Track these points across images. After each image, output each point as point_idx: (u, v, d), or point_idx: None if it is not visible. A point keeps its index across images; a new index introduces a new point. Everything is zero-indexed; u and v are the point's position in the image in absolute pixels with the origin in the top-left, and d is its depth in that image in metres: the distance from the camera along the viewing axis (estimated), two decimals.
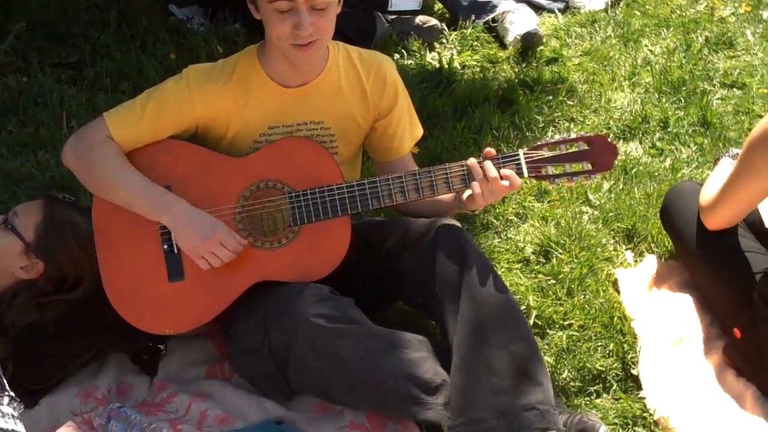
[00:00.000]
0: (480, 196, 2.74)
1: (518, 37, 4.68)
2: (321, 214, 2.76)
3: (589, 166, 2.80)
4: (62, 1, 4.67)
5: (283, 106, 2.83)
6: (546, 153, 2.79)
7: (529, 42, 4.67)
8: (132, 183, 2.72)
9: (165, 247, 2.75)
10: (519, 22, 4.74)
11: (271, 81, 2.80)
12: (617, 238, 3.48)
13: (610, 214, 3.56)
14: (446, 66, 4.49)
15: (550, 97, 4.33)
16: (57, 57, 4.42)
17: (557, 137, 2.82)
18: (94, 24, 4.63)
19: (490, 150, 2.78)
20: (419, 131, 3.07)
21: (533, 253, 3.39)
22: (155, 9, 4.75)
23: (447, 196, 2.89)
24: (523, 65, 4.58)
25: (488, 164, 2.74)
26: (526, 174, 2.78)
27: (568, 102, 4.34)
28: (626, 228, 3.51)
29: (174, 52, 4.41)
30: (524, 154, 2.78)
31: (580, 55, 4.75)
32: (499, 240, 3.47)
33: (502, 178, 2.72)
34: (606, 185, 3.72)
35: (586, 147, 2.81)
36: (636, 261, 3.38)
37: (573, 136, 2.82)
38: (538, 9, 5.16)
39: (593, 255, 3.35)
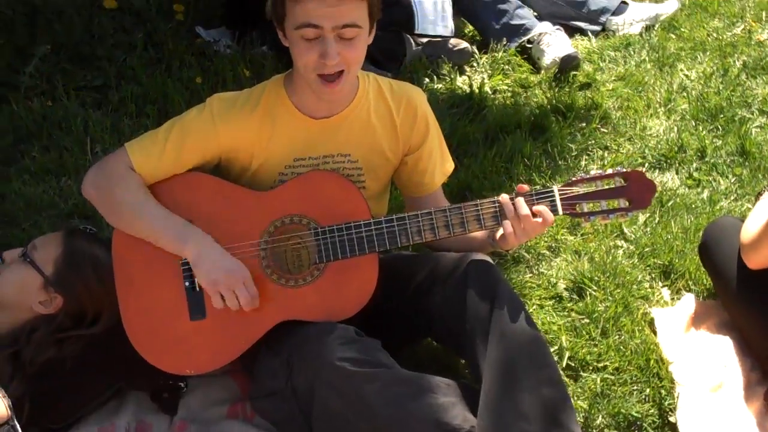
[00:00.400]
0: (512, 235, 2.65)
1: (556, 60, 4.57)
2: (348, 251, 2.67)
3: (626, 204, 2.70)
4: (88, 24, 4.60)
5: (310, 138, 2.75)
6: (581, 189, 2.69)
7: (568, 65, 4.56)
8: (154, 215, 2.65)
9: (187, 284, 2.68)
10: (556, 44, 4.64)
11: (297, 111, 2.72)
12: (653, 275, 3.37)
13: (646, 248, 3.45)
14: (477, 91, 4.39)
15: (584, 124, 4.22)
16: (82, 80, 4.36)
17: (593, 172, 2.71)
18: (120, 46, 4.56)
19: (523, 186, 2.69)
20: (450, 165, 2.97)
21: (566, 289, 3.29)
22: (182, 31, 4.68)
23: (479, 234, 2.79)
24: (556, 90, 4.47)
25: (521, 201, 2.65)
26: (560, 211, 2.68)
27: (602, 129, 4.23)
28: (663, 264, 3.40)
29: (200, 75, 4.34)
30: (559, 190, 2.68)
31: (614, 80, 4.63)
32: (531, 275, 3.36)
33: (534, 215, 2.63)
34: (642, 218, 3.60)
35: (622, 183, 2.71)
36: (673, 299, 3.27)
37: (609, 171, 2.72)
38: (572, 32, 5.04)
39: (629, 292, 3.24)
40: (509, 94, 4.49)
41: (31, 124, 4.03)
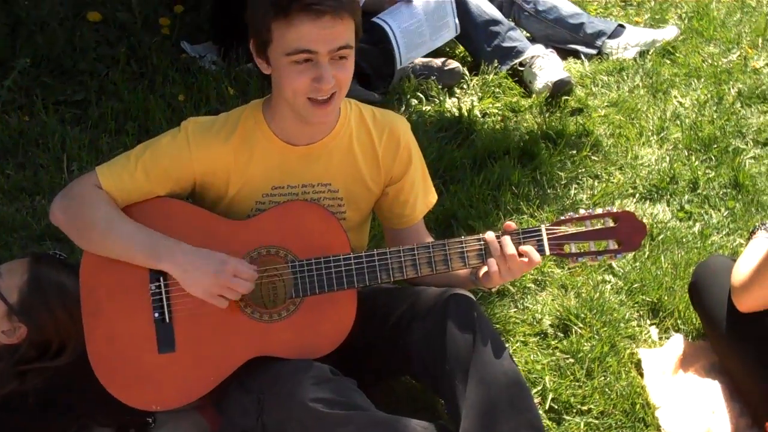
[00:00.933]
0: (497, 274, 2.56)
1: (549, 84, 4.47)
2: (325, 286, 2.57)
3: (615, 245, 2.61)
4: (70, 36, 4.49)
5: (289, 166, 2.65)
6: (569, 229, 2.60)
7: (560, 90, 4.48)
8: (124, 230, 2.55)
9: (156, 315, 2.57)
10: (548, 68, 4.55)
11: (276, 138, 2.63)
12: (642, 312, 3.27)
13: (635, 284, 3.36)
14: (466, 114, 4.29)
15: (574, 152, 4.13)
16: (62, 94, 4.26)
17: (582, 212, 2.62)
18: (103, 60, 4.46)
19: (510, 224, 2.60)
20: (433, 197, 2.88)
21: (551, 326, 3.19)
22: (167, 46, 4.58)
23: (462, 270, 2.69)
24: (547, 115, 4.38)
25: (507, 240, 2.56)
26: (547, 251, 2.59)
27: (593, 157, 4.14)
28: (652, 301, 3.30)
29: (183, 92, 4.24)
30: (546, 230, 2.59)
31: (607, 105, 4.54)
32: (516, 310, 3.26)
33: (521, 255, 2.53)
34: (631, 252, 3.50)
35: (612, 224, 2.61)
36: (661, 338, 3.17)
37: (599, 211, 2.62)
38: (564, 54, 4.96)
39: (615, 331, 3.15)
40: (499, 118, 4.39)
41: (7, 140, 3.92)
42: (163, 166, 2.59)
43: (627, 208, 3.67)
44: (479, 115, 4.38)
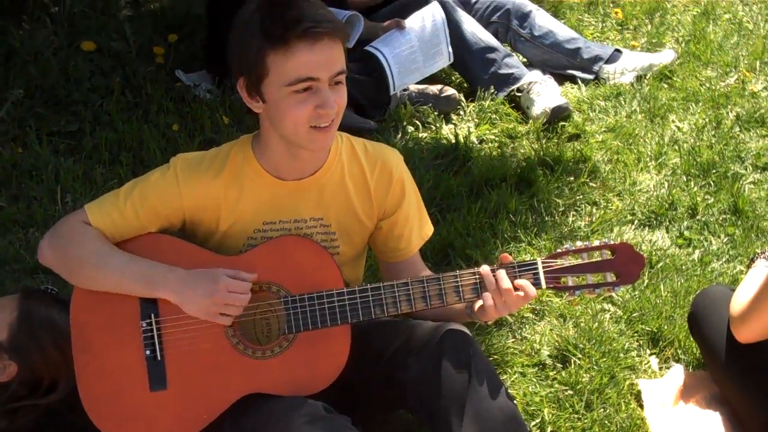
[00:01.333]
0: (492, 308, 2.52)
1: (547, 111, 4.44)
2: (319, 322, 2.54)
3: (613, 277, 2.58)
4: (64, 66, 4.47)
5: (280, 201, 2.62)
6: (566, 262, 2.56)
7: (558, 116, 4.45)
8: (118, 262, 2.52)
9: (147, 352, 2.53)
10: (546, 94, 4.52)
11: (266, 173, 2.60)
12: (641, 342, 3.23)
13: (634, 314, 3.32)
14: (463, 141, 4.26)
15: (572, 178, 4.10)
16: (56, 125, 4.23)
17: (579, 244, 2.58)
18: (97, 90, 4.43)
19: (506, 256, 2.57)
20: (429, 229, 2.84)
21: (550, 356, 3.15)
22: (161, 75, 4.55)
23: (458, 305, 2.65)
24: (544, 141, 4.35)
25: (502, 274, 2.52)
26: (543, 285, 2.55)
27: (591, 184, 4.11)
28: (651, 330, 3.26)
29: (177, 122, 4.21)
30: (542, 262, 2.56)
31: (604, 131, 4.51)
32: (513, 340, 3.23)
33: (516, 288, 2.50)
34: (629, 285, 3.45)
35: (609, 256, 2.58)
36: (661, 368, 3.13)
37: (596, 243, 2.59)
38: (561, 79, 4.94)
39: (615, 362, 3.11)
40: (496, 145, 4.36)
41: (0, 172, 3.89)
42: (152, 203, 2.56)
43: (626, 235, 3.68)
44: (476, 142, 4.36)
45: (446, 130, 4.42)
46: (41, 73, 4.42)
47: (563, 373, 3.08)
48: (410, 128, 4.39)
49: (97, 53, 4.65)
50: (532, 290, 2.52)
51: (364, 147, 2.71)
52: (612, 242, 2.58)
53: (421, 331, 2.62)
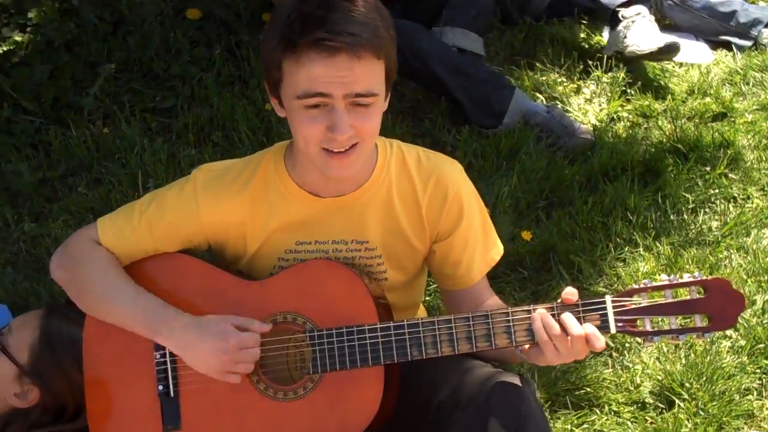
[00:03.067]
0: (554, 354, 2.08)
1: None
2: (347, 362, 2.19)
3: (704, 321, 2.09)
4: (166, 38, 4.24)
5: (315, 219, 2.28)
6: (643, 301, 2.09)
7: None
8: (122, 299, 2.25)
9: (160, 388, 2.27)
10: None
11: (298, 188, 2.25)
12: (764, 381, 2.70)
13: (760, 344, 2.77)
14: (598, 122, 3.72)
15: (707, 168, 3.53)
16: (151, 101, 4.01)
17: (663, 278, 2.10)
18: (199, 62, 4.18)
19: (570, 294, 2.10)
20: (496, 253, 2.40)
21: (652, 393, 2.67)
22: None
23: None
24: (683, 121, 3.77)
25: (568, 317, 2.07)
26: (613, 329, 2.10)
27: (731, 175, 3.53)
28: None
29: None
30: (613, 301, 2.10)
31: (756, 109, 3.89)
32: (611, 370, 2.76)
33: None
34: (759, 300, 2.90)
35: (700, 294, 2.08)
36: None
37: (685, 278, 2.10)
38: (715, 46, 4.32)
39: (727, 407, 2.59)
40: (628, 124, 3.81)
41: (84, 153, 3.71)
42: (167, 221, 2.28)
43: (764, 241, 3.12)
44: (606, 120, 3.83)
45: (575, 105, 3.91)
46: (140, 45, 4.21)
47: (664, 416, 2.60)
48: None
49: (202, 21, 4.39)
50: (599, 340, 2.06)
51: (417, 159, 2.31)
52: (704, 277, 2.08)
53: (471, 381, 2.23)
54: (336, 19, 1.99)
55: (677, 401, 2.64)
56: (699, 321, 2.08)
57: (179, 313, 2.22)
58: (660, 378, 2.71)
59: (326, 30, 1.97)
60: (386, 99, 2.14)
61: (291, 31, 2.01)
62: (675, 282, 2.09)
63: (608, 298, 2.10)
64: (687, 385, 2.67)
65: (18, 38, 4.31)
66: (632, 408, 2.67)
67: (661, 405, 2.66)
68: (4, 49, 4.27)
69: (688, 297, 2.09)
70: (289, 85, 2.06)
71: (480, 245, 2.36)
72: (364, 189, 2.26)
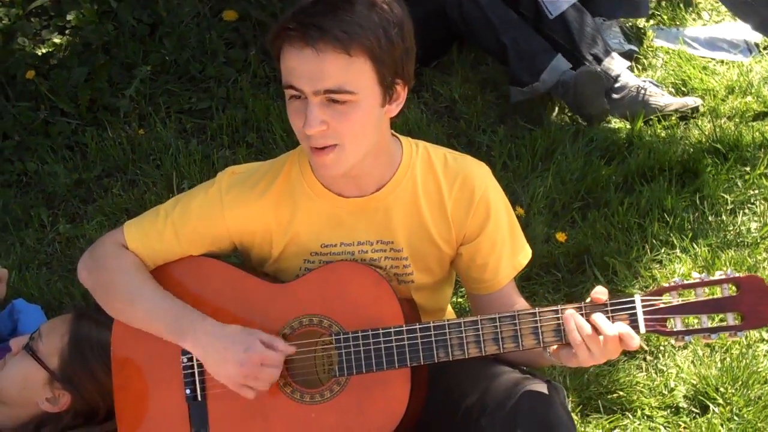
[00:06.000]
0: (587, 355, 2.04)
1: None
2: (374, 365, 2.17)
3: (737, 320, 2.03)
4: (202, 39, 4.26)
5: (340, 220, 2.26)
6: (674, 300, 2.04)
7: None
8: (149, 303, 2.26)
9: (188, 391, 2.27)
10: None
11: (323, 188, 2.24)
12: None
13: None
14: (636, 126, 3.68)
15: (747, 168, 3.46)
16: (186, 103, 4.04)
17: (695, 276, 2.05)
18: (234, 64, 4.20)
19: (600, 293, 2.07)
20: (525, 257, 2.36)
21: (686, 397, 2.62)
22: None
23: None
24: (723, 120, 3.70)
25: (599, 317, 2.04)
26: (642, 329, 2.05)
27: None
28: None
29: None
30: (642, 300, 2.06)
31: None
32: (644, 374, 2.72)
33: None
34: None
35: (733, 291, 2.03)
36: None
37: (717, 276, 2.05)
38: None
39: (762, 413, 2.53)
40: (667, 124, 3.75)
41: (120, 155, 3.74)
42: (192, 225, 2.28)
43: None
44: (643, 120, 3.76)
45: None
46: (176, 46, 4.23)
47: (698, 421, 2.55)
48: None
49: (238, 22, 4.40)
50: (633, 339, 2.02)
51: (443, 159, 2.28)
52: (736, 274, 2.04)
53: (498, 386, 2.21)
54: (314, 13, 2.00)
55: (711, 406, 2.59)
56: (731, 319, 2.03)
57: (205, 318, 2.22)
58: (694, 382, 2.66)
59: (298, 20, 1.99)
60: (385, 103, 2.11)
61: (285, 16, 2.04)
62: (706, 279, 2.04)
63: (637, 297, 2.06)
64: (722, 389, 2.62)
65: (57, 40, 4.37)
66: (665, 412, 2.62)
67: (695, 410, 2.61)
68: (43, 51, 4.33)
69: (721, 295, 2.04)
70: (282, 74, 2.08)
71: (507, 248, 2.32)
72: (387, 189, 2.24)
